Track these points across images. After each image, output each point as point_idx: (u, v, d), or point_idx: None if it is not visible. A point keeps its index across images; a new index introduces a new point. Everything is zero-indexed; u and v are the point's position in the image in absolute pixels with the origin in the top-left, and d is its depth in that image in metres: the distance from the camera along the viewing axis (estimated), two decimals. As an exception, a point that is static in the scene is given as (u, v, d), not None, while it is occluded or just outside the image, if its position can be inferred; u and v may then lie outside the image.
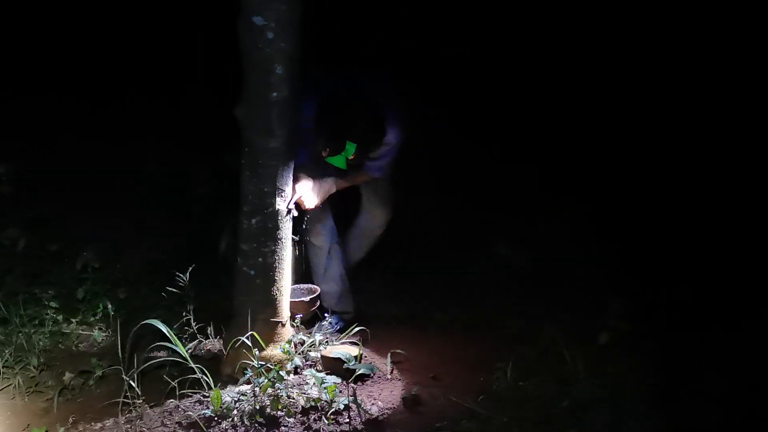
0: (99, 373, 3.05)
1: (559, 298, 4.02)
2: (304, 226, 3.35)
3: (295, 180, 3.09)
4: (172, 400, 2.81)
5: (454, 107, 6.16)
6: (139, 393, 2.93)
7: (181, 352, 3.13)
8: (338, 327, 3.54)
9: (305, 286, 3.51)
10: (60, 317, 3.49)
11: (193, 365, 3.11)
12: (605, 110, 5.82)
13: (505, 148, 5.85)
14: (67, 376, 3.01)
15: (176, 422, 2.73)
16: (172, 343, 3.12)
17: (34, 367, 3.08)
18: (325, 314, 3.31)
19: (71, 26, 6.79)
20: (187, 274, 3.50)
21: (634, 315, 3.71)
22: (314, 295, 3.43)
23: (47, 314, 3.44)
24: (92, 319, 3.50)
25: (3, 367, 3.06)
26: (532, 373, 3.14)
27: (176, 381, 2.99)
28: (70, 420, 2.75)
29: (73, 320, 3.51)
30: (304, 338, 3.21)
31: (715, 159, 5.12)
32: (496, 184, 5.49)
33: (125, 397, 2.91)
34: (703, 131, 5.31)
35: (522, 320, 3.75)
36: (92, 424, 2.75)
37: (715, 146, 5.15)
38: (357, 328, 3.30)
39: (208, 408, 2.77)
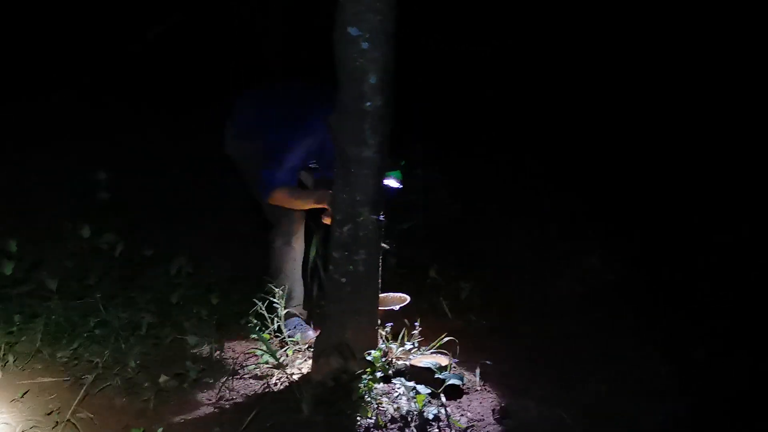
0: (193, 376, 3.11)
1: (649, 311, 3.92)
2: None
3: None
4: (262, 407, 2.86)
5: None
6: (231, 397, 3.00)
7: (272, 359, 3.19)
8: None
9: (395, 294, 3.52)
10: (155, 321, 3.58)
11: (283, 371, 3.17)
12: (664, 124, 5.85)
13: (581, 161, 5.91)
14: (163, 378, 3.05)
15: (267, 426, 2.77)
16: (265, 349, 3.18)
17: (131, 369, 3.16)
18: (415, 323, 3.30)
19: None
20: (277, 281, 3.57)
21: (732, 330, 3.59)
22: (404, 303, 3.44)
23: (143, 317, 3.53)
24: (186, 323, 3.58)
25: (102, 368, 3.15)
26: (624, 388, 3.06)
27: (266, 386, 3.05)
28: (166, 422, 2.80)
29: (168, 324, 3.61)
30: (393, 346, 3.22)
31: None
32: (579, 195, 5.46)
33: (218, 400, 2.99)
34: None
35: (610, 333, 3.65)
36: (187, 426, 2.81)
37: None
38: (446, 338, 3.28)
39: (298, 413, 2.80)
